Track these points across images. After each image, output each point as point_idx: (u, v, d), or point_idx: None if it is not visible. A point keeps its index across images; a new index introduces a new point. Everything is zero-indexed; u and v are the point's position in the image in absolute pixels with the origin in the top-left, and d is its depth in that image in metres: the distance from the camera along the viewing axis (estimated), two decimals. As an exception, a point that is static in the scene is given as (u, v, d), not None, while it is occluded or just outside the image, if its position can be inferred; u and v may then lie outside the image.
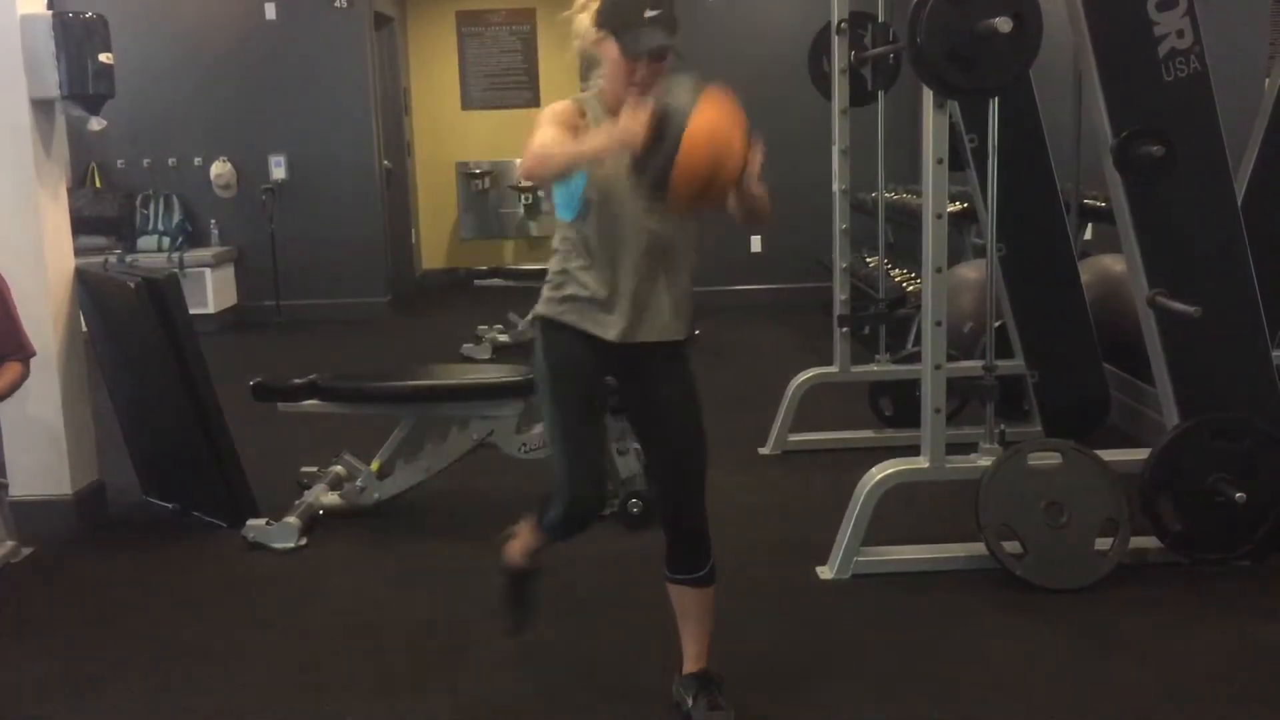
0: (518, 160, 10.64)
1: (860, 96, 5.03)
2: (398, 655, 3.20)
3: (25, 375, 3.85)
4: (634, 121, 2.24)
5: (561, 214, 2.60)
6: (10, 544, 3.96)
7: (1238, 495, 3.43)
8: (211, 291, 8.50)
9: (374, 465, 4.30)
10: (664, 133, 2.16)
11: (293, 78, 8.80)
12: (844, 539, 3.64)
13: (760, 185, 2.41)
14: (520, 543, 2.90)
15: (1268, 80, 4.57)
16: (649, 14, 2.48)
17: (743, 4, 8.91)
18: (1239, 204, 3.66)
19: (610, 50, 2.52)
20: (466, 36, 10.81)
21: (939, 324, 3.58)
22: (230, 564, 3.92)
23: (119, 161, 8.79)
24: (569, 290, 2.60)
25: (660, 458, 2.72)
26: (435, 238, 11.05)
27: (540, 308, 2.68)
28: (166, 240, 8.67)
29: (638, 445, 4.20)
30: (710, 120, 2.21)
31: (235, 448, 4.26)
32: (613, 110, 2.55)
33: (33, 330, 3.89)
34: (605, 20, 2.53)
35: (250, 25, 8.77)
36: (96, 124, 4.26)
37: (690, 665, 2.77)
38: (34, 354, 3.89)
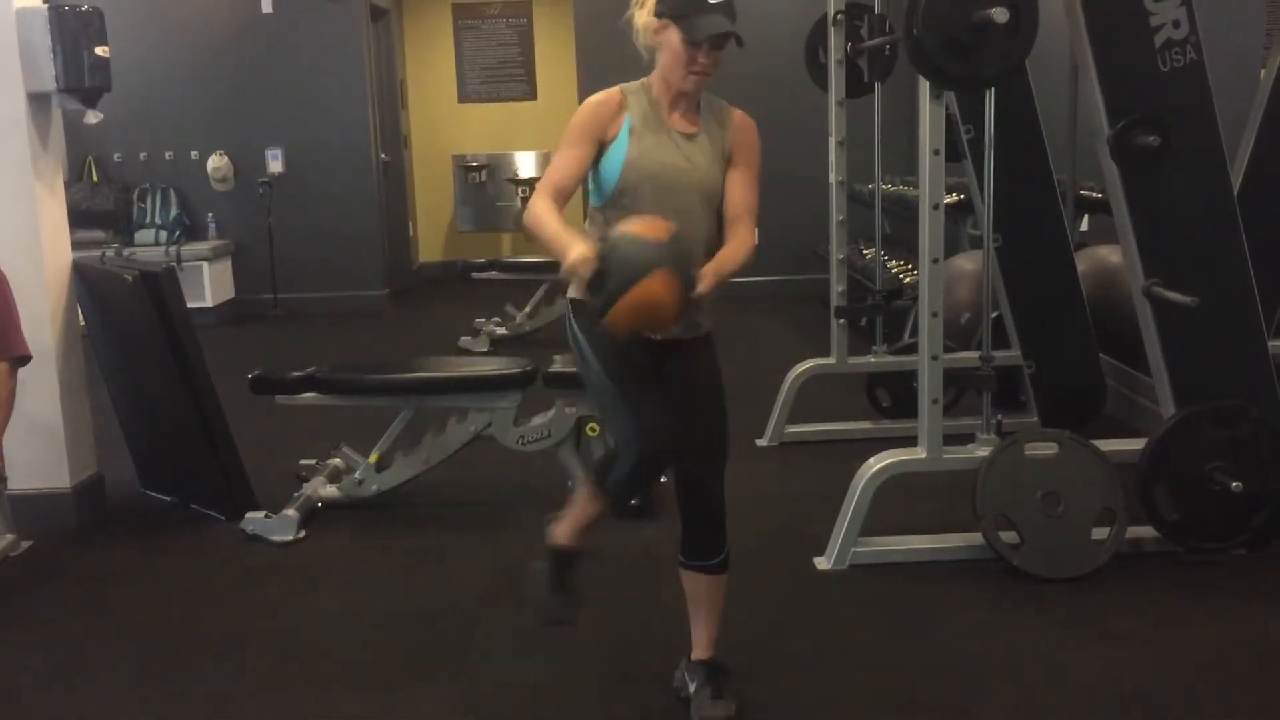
0: (515, 153, 10.68)
1: (857, 88, 5.03)
2: (397, 647, 3.20)
3: (13, 385, 3.76)
4: (580, 266, 2.36)
5: (596, 199, 2.63)
6: (9, 537, 3.97)
7: (1234, 484, 3.44)
8: (209, 285, 8.49)
9: (372, 457, 4.30)
10: (602, 285, 2.34)
11: (289, 71, 8.79)
12: (841, 529, 3.65)
13: (728, 271, 2.55)
14: (573, 517, 2.71)
15: (1263, 70, 4.57)
16: (711, 0, 2.51)
17: (739, -5, 8.90)
18: (1235, 194, 3.66)
19: (672, 37, 2.54)
20: (463, 29, 10.80)
21: (935, 315, 3.59)
22: (229, 556, 3.93)
23: (116, 155, 8.78)
24: None
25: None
26: (432, 230, 11.04)
27: (572, 290, 2.68)
28: (164, 234, 8.66)
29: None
30: (644, 297, 2.32)
31: (234, 440, 4.26)
32: (663, 101, 2.59)
33: (30, 325, 3.87)
34: (667, 7, 2.54)
35: (247, 18, 8.75)
36: (93, 117, 4.25)
37: (699, 652, 2.78)
38: (24, 356, 3.80)
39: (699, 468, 2.68)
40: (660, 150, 2.58)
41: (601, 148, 2.58)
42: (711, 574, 2.73)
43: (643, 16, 2.59)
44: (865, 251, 7.04)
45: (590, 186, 2.65)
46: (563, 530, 2.71)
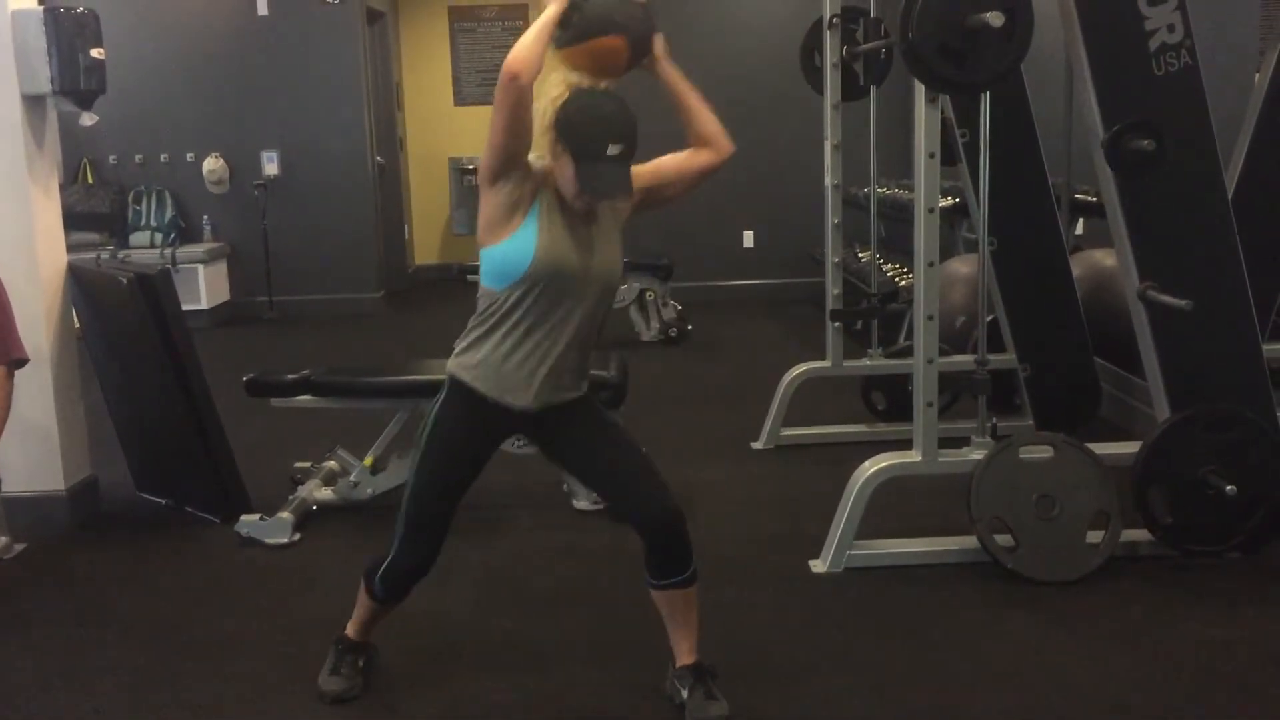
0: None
1: (852, 91, 5.04)
2: (391, 650, 3.20)
3: (10, 389, 3.74)
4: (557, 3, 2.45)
5: (492, 282, 2.59)
6: (3, 540, 3.96)
7: (1228, 487, 3.44)
8: (204, 287, 8.47)
9: (367, 460, 4.30)
10: (569, 24, 2.49)
11: (285, 73, 8.78)
12: (837, 532, 3.65)
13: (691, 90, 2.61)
14: (355, 615, 2.96)
15: (1258, 74, 4.58)
16: (612, 150, 2.42)
17: (735, -1, 8.91)
18: (1229, 198, 3.67)
19: (565, 166, 2.47)
20: (459, 32, 10.80)
21: (931, 318, 3.59)
22: (223, 559, 3.92)
23: (111, 157, 8.77)
24: (489, 356, 2.60)
25: (612, 476, 2.74)
26: (428, 233, 11.04)
27: (454, 366, 2.67)
28: (159, 236, 8.65)
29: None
30: (601, 48, 2.49)
31: (228, 443, 4.26)
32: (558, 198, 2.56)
33: (25, 327, 3.86)
34: (564, 136, 2.46)
35: (242, 20, 8.75)
36: (88, 119, 4.25)
37: (683, 659, 2.78)
38: (21, 359, 3.78)
39: (647, 494, 2.67)
40: (566, 241, 2.53)
41: (517, 203, 2.52)
42: (685, 588, 2.72)
43: (540, 104, 2.48)
44: (861, 255, 7.05)
45: (488, 268, 2.59)
46: (351, 623, 2.96)
